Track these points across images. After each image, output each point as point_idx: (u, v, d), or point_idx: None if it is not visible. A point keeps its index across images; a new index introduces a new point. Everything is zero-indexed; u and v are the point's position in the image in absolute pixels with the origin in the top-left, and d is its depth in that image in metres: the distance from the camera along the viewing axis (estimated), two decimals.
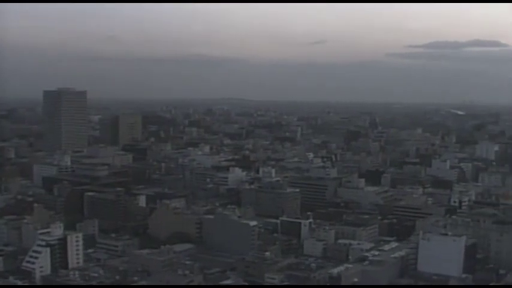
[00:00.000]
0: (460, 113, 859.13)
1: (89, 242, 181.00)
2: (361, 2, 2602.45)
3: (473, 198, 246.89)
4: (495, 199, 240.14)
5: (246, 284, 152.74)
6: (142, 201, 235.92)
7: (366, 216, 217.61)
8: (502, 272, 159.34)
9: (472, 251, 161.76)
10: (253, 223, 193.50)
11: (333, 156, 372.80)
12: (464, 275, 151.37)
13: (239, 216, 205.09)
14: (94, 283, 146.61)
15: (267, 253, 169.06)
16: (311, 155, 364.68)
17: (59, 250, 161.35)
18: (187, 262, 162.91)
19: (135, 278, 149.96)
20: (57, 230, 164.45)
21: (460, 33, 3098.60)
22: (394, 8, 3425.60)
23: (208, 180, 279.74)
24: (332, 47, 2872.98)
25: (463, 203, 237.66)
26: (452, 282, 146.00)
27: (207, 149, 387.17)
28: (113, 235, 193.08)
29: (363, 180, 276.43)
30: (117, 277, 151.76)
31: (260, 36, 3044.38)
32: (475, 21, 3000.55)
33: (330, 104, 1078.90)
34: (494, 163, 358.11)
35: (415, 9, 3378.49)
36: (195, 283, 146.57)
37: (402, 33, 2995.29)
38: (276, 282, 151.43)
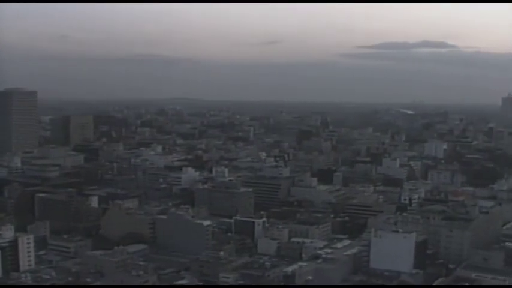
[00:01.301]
0: (409, 112, 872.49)
1: (41, 243, 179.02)
2: (315, 2, 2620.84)
3: (423, 195, 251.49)
4: (444, 196, 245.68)
5: (201, 284, 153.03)
6: (94, 201, 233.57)
7: (319, 215, 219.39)
8: (451, 266, 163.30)
9: (422, 247, 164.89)
10: (207, 223, 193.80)
11: (286, 156, 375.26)
12: (415, 271, 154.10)
13: (193, 216, 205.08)
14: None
15: (221, 252, 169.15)
16: (264, 155, 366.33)
17: (10, 252, 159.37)
18: (141, 263, 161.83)
19: (88, 280, 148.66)
20: (8, 232, 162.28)
21: (409, 34, 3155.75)
22: (346, 9, 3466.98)
23: (161, 180, 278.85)
24: (285, 47, 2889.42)
25: (413, 201, 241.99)
26: (403, 278, 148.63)
27: (159, 149, 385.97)
28: (65, 236, 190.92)
29: (315, 179, 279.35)
30: (70, 279, 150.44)
31: (214, 36, 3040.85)
32: (424, 22, 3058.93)
33: (282, 103, 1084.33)
34: (443, 161, 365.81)
35: (366, 10, 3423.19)
36: (149, 283, 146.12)
37: (354, 34, 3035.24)
38: (231, 281, 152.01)
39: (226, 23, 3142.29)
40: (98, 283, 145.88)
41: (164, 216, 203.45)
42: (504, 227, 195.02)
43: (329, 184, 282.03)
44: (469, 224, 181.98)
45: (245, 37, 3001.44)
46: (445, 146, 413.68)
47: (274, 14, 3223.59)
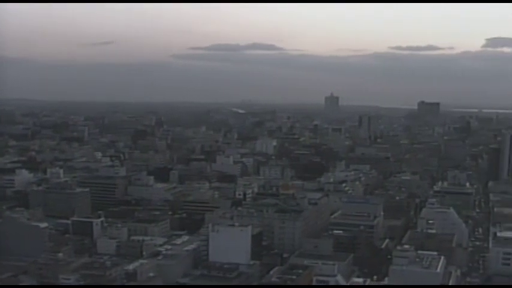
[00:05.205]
0: (240, 111, 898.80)
1: None
2: (148, 2, 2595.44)
3: (256, 190, 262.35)
4: (276, 190, 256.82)
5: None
6: None
7: (157, 213, 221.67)
8: (285, 255, 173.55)
9: (258, 239, 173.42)
10: (43, 225, 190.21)
11: (121, 155, 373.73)
12: (252, 262, 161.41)
13: (28, 219, 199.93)
14: None
15: (60, 254, 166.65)
16: (99, 155, 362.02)
17: None
18: None
19: None
20: None
21: (241, 36, 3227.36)
22: (180, 10, 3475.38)
23: None
24: (119, 48, 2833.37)
25: (247, 195, 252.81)
26: (242, 269, 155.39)
27: None
28: None
29: (151, 177, 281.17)
30: None
31: (46, 36, 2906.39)
32: (255, 25, 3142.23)
33: (116, 103, 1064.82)
34: (273, 157, 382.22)
35: (200, 12, 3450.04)
36: None
37: (187, 35, 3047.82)
38: (71, 282, 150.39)
39: (60, 22, 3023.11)
40: None
41: None
42: (332, 216, 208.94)
43: (165, 182, 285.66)
44: (300, 215, 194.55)
45: (79, 37, 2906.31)
46: (274, 143, 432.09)
47: (108, 14, 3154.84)
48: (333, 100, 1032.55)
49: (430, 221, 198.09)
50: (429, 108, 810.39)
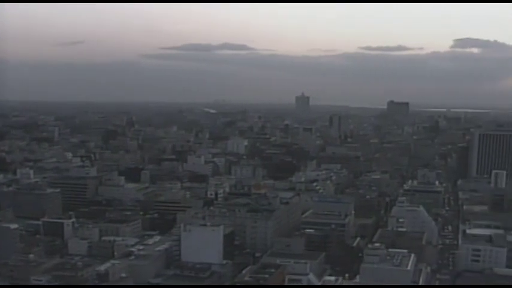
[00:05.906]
0: (212, 111, 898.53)
1: None
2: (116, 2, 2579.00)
3: (227, 190, 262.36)
4: (247, 189, 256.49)
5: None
6: None
7: (128, 213, 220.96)
8: (257, 255, 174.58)
9: (230, 239, 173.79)
10: (14, 226, 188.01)
11: (92, 155, 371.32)
12: (224, 261, 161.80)
13: None
14: None
15: (31, 255, 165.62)
16: (70, 155, 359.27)
17: None
18: None
19: None
20: None
21: (212, 36, 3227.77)
22: (151, 10, 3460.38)
23: None
24: (89, 48, 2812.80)
25: (219, 195, 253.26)
26: (214, 269, 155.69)
27: None
28: None
29: (122, 177, 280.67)
30: None
31: (16, 36, 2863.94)
32: (226, 25, 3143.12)
33: (87, 103, 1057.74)
34: (244, 157, 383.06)
35: (172, 11, 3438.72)
36: None
37: (158, 35, 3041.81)
38: (43, 283, 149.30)
39: (30, 22, 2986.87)
40: None
41: None
42: (303, 216, 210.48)
43: (137, 182, 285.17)
44: (272, 215, 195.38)
45: (47, 37, 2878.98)
46: (245, 143, 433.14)
47: (78, 14, 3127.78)
48: (303, 100, 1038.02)
49: (401, 220, 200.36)
50: (398, 108, 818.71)
